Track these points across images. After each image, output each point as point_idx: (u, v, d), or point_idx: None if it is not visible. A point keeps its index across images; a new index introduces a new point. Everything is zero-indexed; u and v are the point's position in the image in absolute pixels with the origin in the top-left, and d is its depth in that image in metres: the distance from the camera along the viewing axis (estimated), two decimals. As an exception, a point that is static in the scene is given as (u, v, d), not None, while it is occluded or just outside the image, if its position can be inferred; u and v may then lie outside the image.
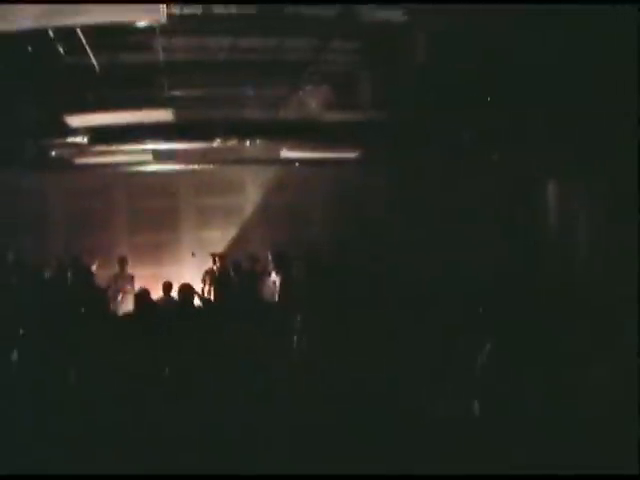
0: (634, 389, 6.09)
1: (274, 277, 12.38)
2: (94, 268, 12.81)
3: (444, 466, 5.86)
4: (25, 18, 7.67)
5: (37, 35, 8.35)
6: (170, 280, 11.98)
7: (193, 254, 14.66)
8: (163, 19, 7.75)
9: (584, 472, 5.33)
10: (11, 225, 13.98)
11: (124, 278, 13.43)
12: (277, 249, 12.85)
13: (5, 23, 7.66)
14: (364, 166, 14.47)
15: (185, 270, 14.79)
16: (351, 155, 13.65)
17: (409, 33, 8.89)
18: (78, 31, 8.45)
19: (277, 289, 12.00)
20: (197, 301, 10.82)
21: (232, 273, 12.50)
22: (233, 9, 8.57)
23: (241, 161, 14.66)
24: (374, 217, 15.16)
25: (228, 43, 9.90)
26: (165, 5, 7.15)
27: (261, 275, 12.82)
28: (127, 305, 12.26)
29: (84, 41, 8.78)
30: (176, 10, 8.21)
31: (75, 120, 10.84)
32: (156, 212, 15.60)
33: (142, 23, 8.56)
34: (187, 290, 9.61)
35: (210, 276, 13.44)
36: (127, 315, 10.52)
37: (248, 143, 13.12)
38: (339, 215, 15.41)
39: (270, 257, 12.66)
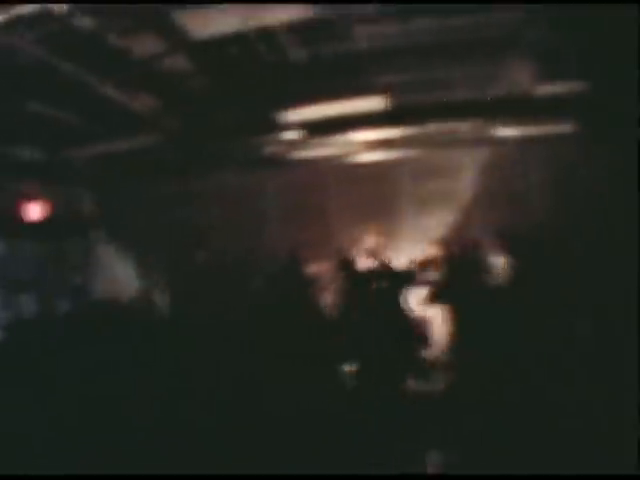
0: None
1: (498, 262, 11.94)
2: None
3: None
4: (224, 22, 7.95)
5: (237, 37, 8.64)
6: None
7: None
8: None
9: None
10: (236, 227, 14.61)
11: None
12: (502, 232, 12.37)
13: (206, 28, 7.98)
14: (584, 142, 13.53)
15: (403, 255, 14.64)
16: (568, 130, 12.82)
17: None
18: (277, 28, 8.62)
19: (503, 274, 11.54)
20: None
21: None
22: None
23: (455, 144, 14.27)
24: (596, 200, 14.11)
25: (430, 25, 9.63)
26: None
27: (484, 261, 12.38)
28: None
29: (284, 38, 8.93)
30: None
31: (285, 116, 11.06)
32: (373, 201, 15.57)
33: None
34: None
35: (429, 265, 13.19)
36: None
37: (461, 125, 12.79)
38: (559, 197, 14.52)
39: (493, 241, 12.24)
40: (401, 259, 14.48)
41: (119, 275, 15.11)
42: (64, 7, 7.25)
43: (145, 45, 8.05)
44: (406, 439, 6.96)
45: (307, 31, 9.21)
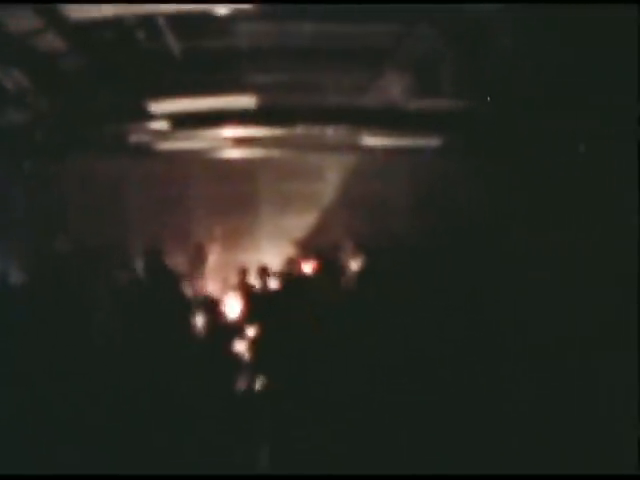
0: None
1: (355, 268, 12.13)
2: None
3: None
4: (106, 5, 7.68)
5: (116, 21, 8.38)
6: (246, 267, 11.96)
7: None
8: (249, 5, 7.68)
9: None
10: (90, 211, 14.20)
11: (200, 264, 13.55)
12: (359, 239, 12.59)
13: (86, 10, 7.68)
14: (445, 155, 14.06)
15: (263, 257, 14.68)
16: (432, 143, 13.27)
17: (495, 21, 8.49)
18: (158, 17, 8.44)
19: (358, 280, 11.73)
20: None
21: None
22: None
23: (322, 148, 14.45)
24: (453, 208, 14.69)
25: (311, 29, 9.69)
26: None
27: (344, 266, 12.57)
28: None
29: (164, 27, 8.75)
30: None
31: (155, 105, 10.84)
32: (236, 198, 15.53)
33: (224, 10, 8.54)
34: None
35: (289, 264, 13.28)
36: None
37: (329, 130, 12.95)
38: (419, 205, 15.01)
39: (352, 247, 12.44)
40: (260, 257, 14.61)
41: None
42: None
43: (20, 21, 7.67)
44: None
45: (187, 23, 9.05)
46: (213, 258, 14.20)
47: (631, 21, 6.60)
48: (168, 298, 10.63)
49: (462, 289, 9.54)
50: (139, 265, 11.76)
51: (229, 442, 7.07)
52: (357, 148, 14.24)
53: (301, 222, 15.60)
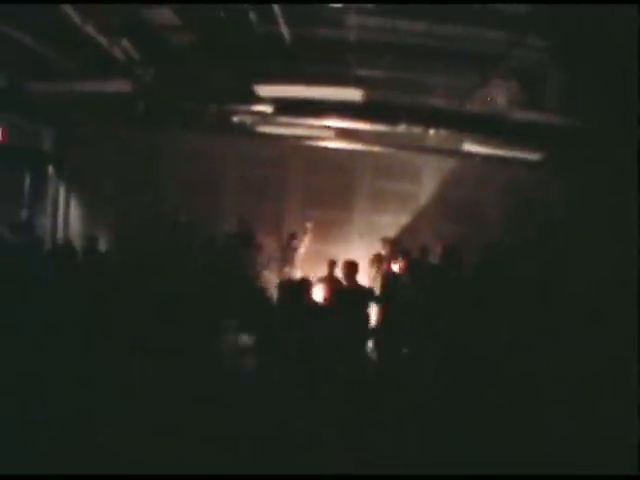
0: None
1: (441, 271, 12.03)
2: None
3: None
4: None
5: (230, 2, 8.56)
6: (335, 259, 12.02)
7: (361, 236, 14.60)
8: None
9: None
10: (188, 187, 14.55)
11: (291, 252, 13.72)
12: (449, 243, 12.46)
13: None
14: (545, 169, 13.77)
15: (352, 251, 14.73)
16: (533, 157, 13.03)
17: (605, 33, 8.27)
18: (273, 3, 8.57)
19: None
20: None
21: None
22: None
23: (422, 149, 14.39)
24: (550, 224, 14.38)
25: (422, 28, 9.67)
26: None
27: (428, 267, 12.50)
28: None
29: (278, 12, 8.88)
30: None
31: (261, 89, 10.99)
32: (331, 189, 15.63)
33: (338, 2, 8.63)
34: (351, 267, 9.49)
35: (377, 262, 13.29)
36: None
37: (431, 131, 12.89)
38: (513, 217, 14.75)
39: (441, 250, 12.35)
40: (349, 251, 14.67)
41: (69, 215, 14.92)
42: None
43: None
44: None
45: (300, 11, 9.17)
46: (304, 247, 14.29)
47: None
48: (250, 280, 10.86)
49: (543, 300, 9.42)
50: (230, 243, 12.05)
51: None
52: (456, 153, 14.10)
53: (393, 220, 15.56)
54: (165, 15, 8.86)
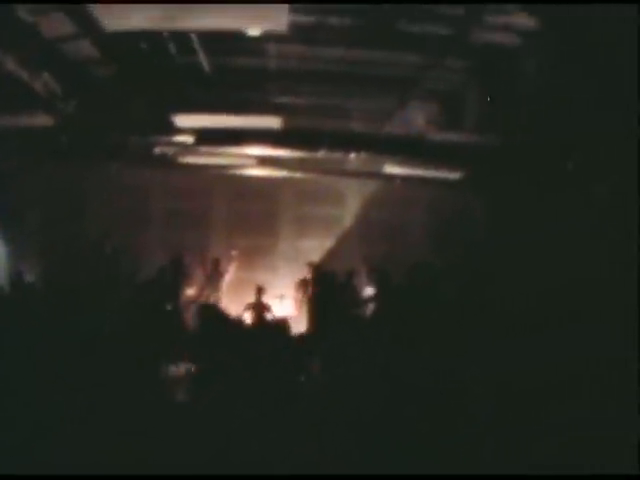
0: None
1: (368, 293, 12.20)
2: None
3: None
4: (140, 19, 7.83)
5: (150, 34, 8.54)
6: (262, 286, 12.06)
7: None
8: (283, 27, 7.79)
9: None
10: (114, 219, 14.38)
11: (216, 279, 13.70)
12: (374, 265, 12.61)
13: (120, 22, 7.84)
14: (465, 188, 14.07)
15: (278, 278, 14.78)
16: (453, 176, 13.31)
17: (520, 56, 8.58)
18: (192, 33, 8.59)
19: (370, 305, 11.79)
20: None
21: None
22: (347, 20, 8.51)
23: (344, 173, 14.55)
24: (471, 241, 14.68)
25: (339, 54, 9.83)
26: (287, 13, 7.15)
27: (356, 290, 12.64)
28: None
29: (196, 43, 8.91)
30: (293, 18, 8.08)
31: (182, 119, 10.97)
32: (255, 217, 15.65)
33: (257, 31, 8.68)
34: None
35: (303, 287, 13.37)
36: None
37: (352, 155, 13.03)
38: (437, 236, 15.01)
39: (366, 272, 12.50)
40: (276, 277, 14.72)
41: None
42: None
43: (55, 26, 7.84)
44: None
45: (219, 41, 9.21)
46: (229, 274, 14.27)
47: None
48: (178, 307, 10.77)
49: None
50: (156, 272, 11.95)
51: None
52: (378, 175, 14.28)
53: (319, 244, 15.66)
54: (85, 47, 8.80)
